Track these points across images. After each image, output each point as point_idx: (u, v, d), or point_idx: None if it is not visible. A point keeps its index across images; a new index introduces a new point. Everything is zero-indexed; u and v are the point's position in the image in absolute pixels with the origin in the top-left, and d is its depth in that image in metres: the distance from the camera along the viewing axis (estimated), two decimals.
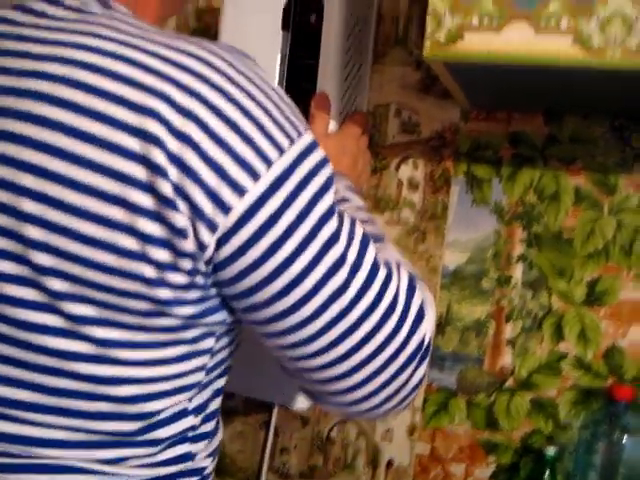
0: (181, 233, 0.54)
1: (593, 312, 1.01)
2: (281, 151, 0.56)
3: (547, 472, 0.96)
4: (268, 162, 0.56)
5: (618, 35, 0.70)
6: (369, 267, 0.62)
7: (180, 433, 0.65)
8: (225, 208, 0.54)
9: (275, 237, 0.56)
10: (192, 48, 0.56)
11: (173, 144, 0.53)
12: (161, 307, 0.57)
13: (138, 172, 0.53)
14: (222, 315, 0.63)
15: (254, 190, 0.55)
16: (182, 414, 0.65)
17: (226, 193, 0.54)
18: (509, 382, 1.04)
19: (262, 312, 0.60)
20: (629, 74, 0.73)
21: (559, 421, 1.02)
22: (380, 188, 1.11)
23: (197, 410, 0.66)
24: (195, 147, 0.53)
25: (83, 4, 0.60)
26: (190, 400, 0.65)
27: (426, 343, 0.66)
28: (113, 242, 0.54)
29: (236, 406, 1.22)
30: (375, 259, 0.62)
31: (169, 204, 0.53)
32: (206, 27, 1.22)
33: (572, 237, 1.01)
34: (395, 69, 1.09)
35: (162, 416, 0.63)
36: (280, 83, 0.99)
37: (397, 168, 1.09)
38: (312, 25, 0.97)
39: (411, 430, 1.10)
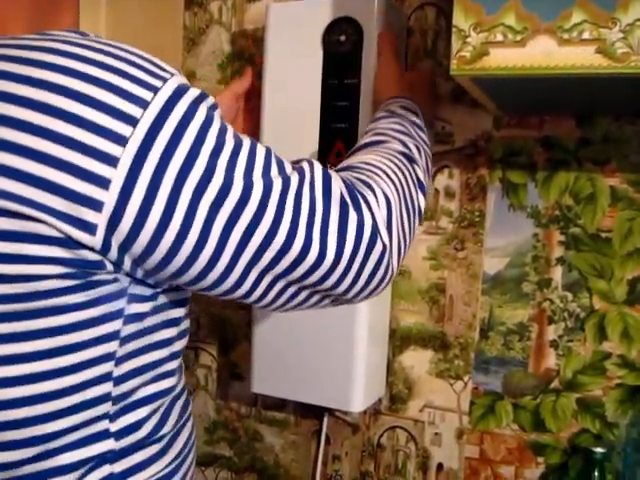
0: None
1: (635, 310, 1.01)
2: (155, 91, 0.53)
3: (596, 471, 0.97)
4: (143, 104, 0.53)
5: None
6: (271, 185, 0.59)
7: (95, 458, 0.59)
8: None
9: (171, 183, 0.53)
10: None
11: None
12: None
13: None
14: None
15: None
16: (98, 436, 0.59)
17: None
18: (554, 383, 1.06)
19: (184, 275, 0.58)
20: None
21: (606, 420, 1.03)
22: None
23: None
24: None
25: None
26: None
27: (367, 230, 0.65)
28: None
29: (287, 416, 1.25)
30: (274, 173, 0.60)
31: None
32: (240, 50, 1.26)
33: (610, 237, 1.02)
34: None
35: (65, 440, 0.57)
36: (322, 102, 1.02)
37: (433, 178, 1.11)
38: (347, 46, 1.00)
39: (459, 434, 1.12)
